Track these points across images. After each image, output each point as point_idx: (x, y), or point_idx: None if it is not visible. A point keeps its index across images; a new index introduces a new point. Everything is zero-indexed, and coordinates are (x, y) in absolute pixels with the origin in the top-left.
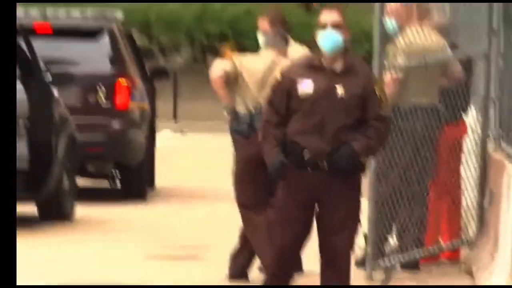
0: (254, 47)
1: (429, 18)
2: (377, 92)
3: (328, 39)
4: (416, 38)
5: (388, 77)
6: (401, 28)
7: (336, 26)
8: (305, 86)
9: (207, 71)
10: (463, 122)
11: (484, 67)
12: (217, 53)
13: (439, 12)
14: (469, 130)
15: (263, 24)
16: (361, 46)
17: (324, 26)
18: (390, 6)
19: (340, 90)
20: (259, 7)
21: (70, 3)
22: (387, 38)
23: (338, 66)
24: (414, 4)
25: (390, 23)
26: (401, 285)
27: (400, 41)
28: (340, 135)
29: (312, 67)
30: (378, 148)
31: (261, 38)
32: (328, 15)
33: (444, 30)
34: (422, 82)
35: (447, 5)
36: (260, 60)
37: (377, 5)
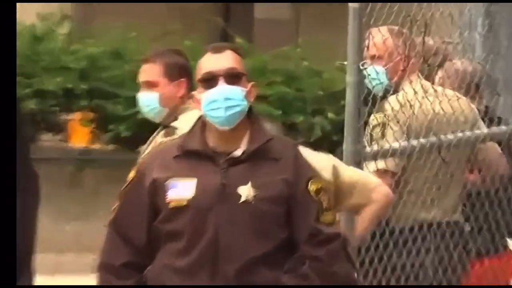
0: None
1: (446, 65)
2: (313, 193)
3: (222, 102)
4: (423, 100)
5: (371, 169)
6: (395, 81)
7: (233, 77)
8: (180, 190)
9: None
10: (510, 254)
11: None
12: (58, 126)
13: (464, 54)
14: None
15: (150, 74)
16: (323, 115)
17: (211, 80)
18: (374, 39)
19: (244, 190)
20: (132, 43)
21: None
22: (369, 99)
23: (240, 148)
24: (417, 37)
25: (376, 72)
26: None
27: (394, 105)
28: (250, 275)
29: (192, 153)
30: None
31: (145, 99)
32: (218, 61)
33: (473, 87)
34: (434, 181)
35: (477, 39)
36: None
37: (349, 43)
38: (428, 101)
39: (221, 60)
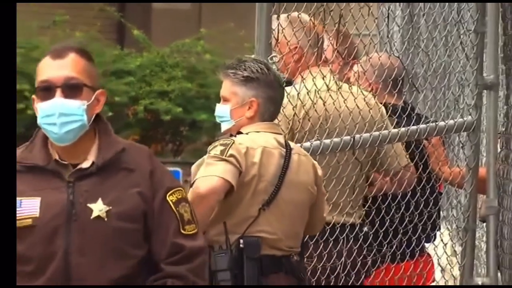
0: None
1: (362, 59)
2: (172, 205)
3: (56, 118)
4: (317, 94)
5: None
6: (292, 75)
7: (72, 89)
8: (24, 209)
9: None
10: (427, 258)
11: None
12: None
13: (381, 47)
14: (437, 272)
15: None
16: None
17: (47, 91)
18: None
19: (95, 207)
20: None
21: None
22: None
23: (88, 160)
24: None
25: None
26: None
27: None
28: None
29: (34, 168)
30: None
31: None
32: (57, 68)
33: (392, 82)
34: (346, 183)
35: (396, 31)
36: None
37: (257, 34)
38: (331, 98)
39: (60, 67)
